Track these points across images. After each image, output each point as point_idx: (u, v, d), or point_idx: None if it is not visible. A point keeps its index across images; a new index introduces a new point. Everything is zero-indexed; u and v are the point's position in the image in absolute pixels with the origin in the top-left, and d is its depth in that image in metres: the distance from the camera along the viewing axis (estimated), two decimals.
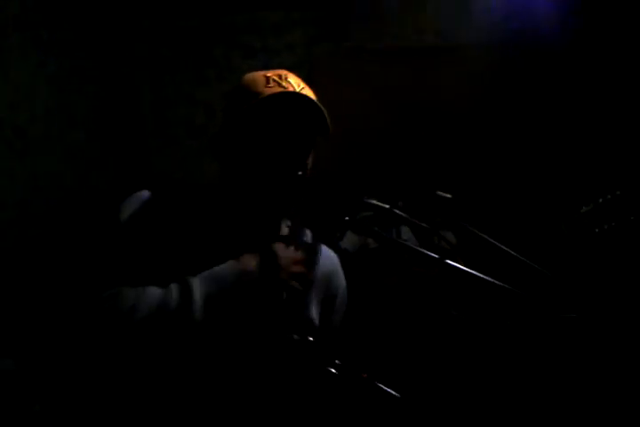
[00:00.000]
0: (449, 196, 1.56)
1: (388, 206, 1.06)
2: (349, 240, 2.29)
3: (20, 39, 2.76)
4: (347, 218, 1.08)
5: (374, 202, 1.09)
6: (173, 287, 1.04)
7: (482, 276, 0.97)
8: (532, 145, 3.00)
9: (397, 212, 1.06)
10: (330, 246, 2.27)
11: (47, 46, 2.92)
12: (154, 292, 1.03)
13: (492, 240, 1.26)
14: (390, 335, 2.13)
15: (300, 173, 1.14)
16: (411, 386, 1.08)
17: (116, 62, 3.44)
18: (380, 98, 3.14)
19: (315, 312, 1.32)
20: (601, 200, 1.40)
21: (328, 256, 1.39)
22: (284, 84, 1.20)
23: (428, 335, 2.14)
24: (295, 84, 1.22)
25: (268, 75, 1.22)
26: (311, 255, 1.31)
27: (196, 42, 3.56)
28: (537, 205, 2.78)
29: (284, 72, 1.25)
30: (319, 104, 1.16)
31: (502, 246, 1.24)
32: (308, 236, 1.35)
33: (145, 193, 1.22)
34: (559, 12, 2.90)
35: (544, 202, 2.73)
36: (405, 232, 2.31)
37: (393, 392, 0.99)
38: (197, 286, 1.02)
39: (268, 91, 1.17)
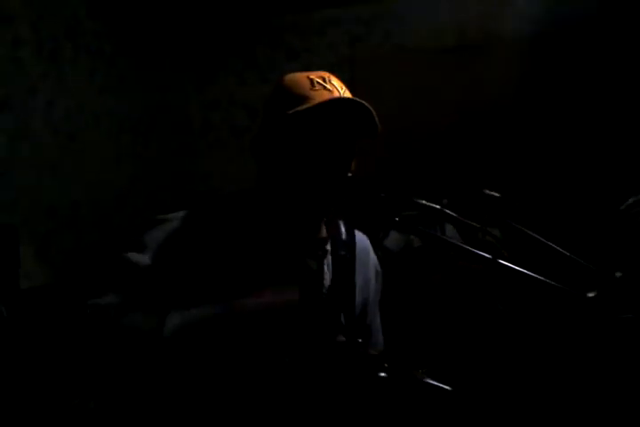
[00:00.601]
0: (496, 194, 1.56)
1: (438, 207, 1.06)
2: (393, 239, 2.29)
3: (73, 48, 2.85)
4: (396, 218, 1.08)
5: (424, 202, 1.09)
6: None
7: (535, 275, 0.97)
8: (576, 139, 2.95)
9: (448, 212, 1.06)
10: (374, 246, 2.28)
11: (96, 55, 3.01)
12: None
13: (539, 237, 1.25)
14: (437, 333, 2.12)
15: (349, 175, 1.15)
16: (461, 382, 1.07)
17: (161, 67, 3.52)
18: (422, 96, 3.13)
19: (358, 309, 1.33)
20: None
21: (362, 244, 1.38)
22: (328, 86, 1.19)
23: (475, 331, 2.12)
24: (338, 86, 1.21)
25: (311, 77, 1.20)
26: (350, 255, 1.32)
27: (239, 44, 3.61)
28: (583, 200, 2.73)
29: (326, 74, 1.23)
30: (371, 108, 1.16)
31: (550, 244, 1.23)
32: (343, 230, 1.34)
33: (173, 217, 1.20)
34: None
35: (590, 197, 2.68)
36: (449, 230, 2.31)
37: (446, 387, 0.99)
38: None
39: (315, 94, 1.17)
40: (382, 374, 1.01)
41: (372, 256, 1.39)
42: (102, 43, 3.05)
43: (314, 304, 1.20)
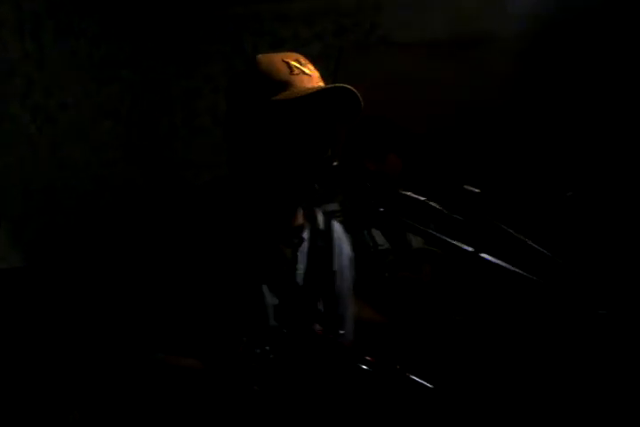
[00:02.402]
0: (477, 190, 1.57)
1: (423, 199, 1.06)
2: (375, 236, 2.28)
3: (54, 27, 2.79)
4: (381, 209, 1.08)
5: (409, 194, 1.09)
6: None
7: (516, 269, 0.98)
8: (561, 139, 2.97)
9: (432, 204, 1.07)
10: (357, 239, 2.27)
11: (78, 34, 2.96)
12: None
13: (517, 234, 1.26)
14: (399, 332, 2.13)
15: (335, 163, 1.15)
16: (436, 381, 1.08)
17: (145, 52, 3.47)
18: (408, 90, 3.13)
19: (336, 297, 1.34)
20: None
21: (338, 234, 1.39)
22: (306, 70, 1.19)
23: (432, 341, 2.14)
24: (313, 69, 1.21)
25: (287, 60, 1.18)
26: (327, 244, 1.33)
27: (224, 31, 3.57)
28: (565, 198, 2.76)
29: (298, 56, 1.21)
30: (358, 94, 1.16)
31: (526, 240, 1.24)
32: (320, 219, 1.34)
33: (163, 219, 1.20)
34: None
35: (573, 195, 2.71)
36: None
37: (426, 383, 1.00)
38: None
39: (296, 79, 1.16)
40: (364, 367, 1.02)
41: (347, 246, 1.40)
42: (86, 23, 2.99)
43: (286, 293, 1.20)
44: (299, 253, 1.26)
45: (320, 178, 1.14)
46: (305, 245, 1.27)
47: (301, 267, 1.25)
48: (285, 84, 1.15)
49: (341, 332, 1.08)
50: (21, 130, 2.62)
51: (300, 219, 1.27)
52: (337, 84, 1.15)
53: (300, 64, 1.19)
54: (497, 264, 0.99)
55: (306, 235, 1.28)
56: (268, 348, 1.05)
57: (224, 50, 3.56)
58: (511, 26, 3.01)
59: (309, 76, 1.18)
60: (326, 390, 1.03)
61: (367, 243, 2.12)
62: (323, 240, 1.31)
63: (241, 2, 3.45)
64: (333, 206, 1.11)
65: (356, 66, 3.26)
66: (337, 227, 1.38)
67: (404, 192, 1.07)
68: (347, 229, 1.38)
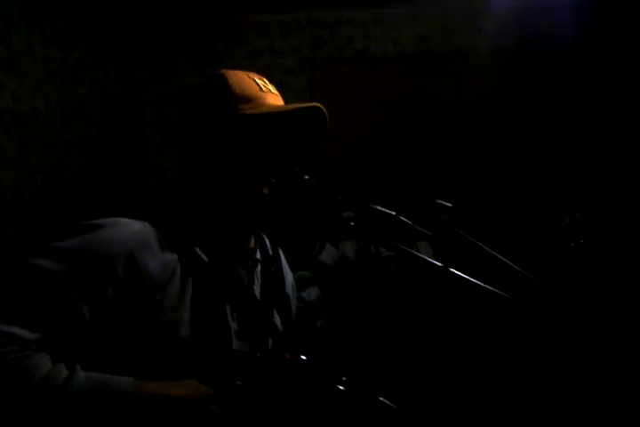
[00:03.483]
0: (449, 205, 1.59)
1: (394, 213, 1.07)
2: (327, 254, 2.28)
3: (26, 31, 2.75)
4: (352, 223, 1.08)
5: (379, 208, 1.09)
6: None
7: (484, 285, 0.98)
8: (536, 153, 3.02)
9: (403, 218, 1.07)
10: (308, 261, 2.28)
11: (51, 38, 2.92)
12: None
13: (488, 249, 1.27)
14: (371, 347, 2.13)
15: (306, 177, 1.15)
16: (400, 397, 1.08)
17: (118, 57, 3.44)
18: (381, 103, 3.16)
19: (293, 321, 1.33)
20: (580, 213, 1.42)
21: (284, 260, 1.37)
22: (272, 90, 1.19)
23: (407, 348, 2.14)
24: (275, 90, 1.21)
25: (253, 77, 1.18)
26: (277, 268, 1.30)
27: (200, 39, 3.57)
28: (531, 214, 2.80)
29: (261, 76, 1.21)
30: (327, 116, 1.17)
31: (499, 256, 1.25)
32: (268, 244, 1.32)
33: (102, 224, 1.04)
34: (568, 18, 2.91)
35: (538, 211, 2.75)
36: (423, 247, 2.32)
37: (392, 405, 1.00)
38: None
39: (266, 96, 1.16)
40: (341, 388, 1.00)
41: (290, 274, 1.39)
42: (58, 26, 2.96)
43: (246, 314, 1.15)
44: (254, 275, 1.23)
45: (289, 192, 1.13)
46: (258, 268, 1.24)
47: (257, 289, 1.22)
48: (255, 100, 1.14)
49: (303, 357, 1.05)
50: None
51: (252, 241, 1.23)
52: (312, 104, 1.15)
53: (265, 83, 1.19)
54: (466, 279, 0.99)
55: (258, 257, 1.25)
56: (234, 374, 1.03)
57: (198, 57, 3.55)
58: (483, 42, 3.06)
59: (276, 95, 1.19)
60: (304, 412, 1.01)
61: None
62: (273, 265, 1.29)
63: (218, 10, 3.45)
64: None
65: (332, 78, 3.28)
66: (282, 253, 1.36)
67: (374, 206, 1.07)
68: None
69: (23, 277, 0.96)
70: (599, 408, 1.56)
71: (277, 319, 1.25)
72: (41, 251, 0.99)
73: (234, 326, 1.12)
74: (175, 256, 1.07)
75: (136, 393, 0.94)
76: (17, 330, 0.91)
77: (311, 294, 2.17)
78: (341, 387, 1.01)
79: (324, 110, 1.17)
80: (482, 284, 1.00)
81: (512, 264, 1.21)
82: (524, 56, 3.04)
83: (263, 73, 1.24)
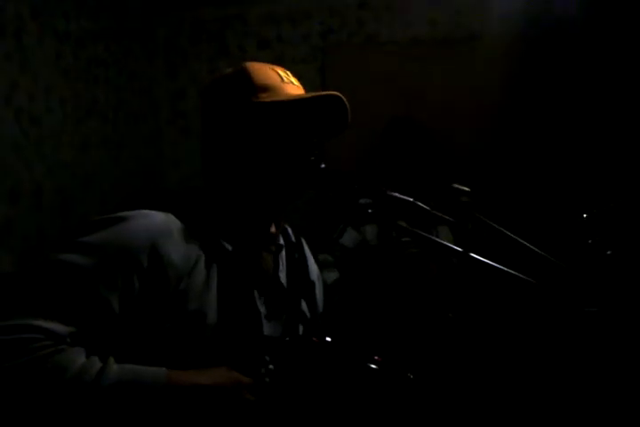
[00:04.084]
0: (466, 189, 1.57)
1: (411, 200, 1.07)
2: (348, 237, 2.29)
3: (38, 29, 2.77)
4: (370, 210, 1.08)
5: (397, 195, 1.09)
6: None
7: (505, 269, 0.98)
8: (549, 139, 2.99)
9: (420, 204, 1.07)
10: (330, 244, 2.29)
11: (63, 36, 2.94)
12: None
13: (508, 232, 1.27)
14: (386, 331, 2.14)
15: (322, 166, 1.15)
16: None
17: (131, 51, 3.45)
18: (393, 89, 3.14)
19: (319, 308, 1.33)
20: (591, 212, 1.40)
21: (307, 249, 1.38)
22: (294, 82, 1.21)
23: (424, 335, 2.14)
24: (298, 82, 1.23)
25: (275, 69, 1.20)
26: (301, 255, 1.31)
27: (210, 32, 3.56)
28: (550, 202, 2.77)
29: (284, 69, 1.23)
30: (348, 106, 1.17)
31: (518, 238, 1.25)
32: (290, 232, 1.33)
33: (127, 216, 1.05)
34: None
35: (557, 199, 2.72)
36: (445, 232, 2.31)
37: (420, 383, 1.01)
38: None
39: (287, 87, 1.17)
40: (373, 366, 1.01)
41: (314, 264, 1.39)
42: (70, 24, 2.97)
43: (274, 299, 1.17)
44: (279, 260, 1.24)
45: (308, 180, 1.14)
46: (283, 254, 1.26)
47: (282, 275, 1.23)
48: (277, 90, 1.16)
49: (328, 339, 1.05)
50: (5, 133, 2.59)
51: (273, 228, 1.24)
52: (331, 93, 1.16)
53: (288, 75, 1.21)
54: (486, 263, 0.99)
55: (282, 242, 1.27)
56: (267, 358, 1.04)
57: (208, 51, 3.55)
58: (495, 26, 3.02)
59: (297, 86, 1.20)
60: (339, 393, 1.02)
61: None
62: (296, 251, 1.30)
63: (225, 2, 3.44)
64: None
65: (342, 66, 3.26)
66: (304, 243, 1.37)
67: (391, 193, 1.07)
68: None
69: (52, 272, 0.97)
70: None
71: (304, 305, 1.26)
72: (67, 246, 1.00)
73: (262, 310, 1.14)
74: (198, 244, 1.08)
75: (169, 383, 0.95)
76: (50, 324, 0.92)
77: (330, 276, 2.20)
78: (374, 366, 1.01)
79: (344, 100, 1.17)
80: (503, 267, 1.00)
81: (532, 247, 1.21)
82: (535, 38, 3.00)
83: (274, 63, 1.25)
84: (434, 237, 1.04)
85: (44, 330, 0.92)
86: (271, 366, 1.04)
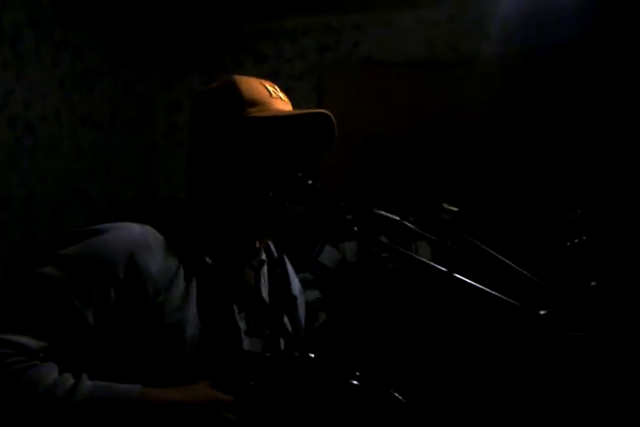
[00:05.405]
0: (455, 209, 1.58)
1: (397, 218, 1.06)
2: (327, 255, 2.29)
3: (35, 38, 2.78)
4: (355, 228, 1.08)
5: (383, 213, 1.09)
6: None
7: (489, 291, 0.97)
8: (541, 157, 3.00)
9: (406, 223, 1.07)
10: (309, 262, 2.29)
11: (60, 45, 2.95)
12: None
13: (494, 253, 1.27)
14: (368, 347, 2.13)
15: (310, 182, 1.15)
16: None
17: (128, 64, 3.46)
18: (388, 109, 3.15)
19: (302, 323, 1.32)
20: (575, 212, 1.41)
21: (289, 266, 1.36)
22: (282, 97, 1.21)
23: (405, 348, 2.14)
24: (285, 97, 1.22)
25: (263, 84, 1.20)
26: (283, 271, 1.30)
27: (208, 45, 3.59)
28: (532, 216, 2.78)
29: (271, 83, 1.22)
30: (335, 124, 1.17)
31: (504, 259, 1.24)
32: (272, 248, 1.32)
33: (106, 228, 1.03)
34: (573, 20, 2.90)
35: (538, 212, 2.73)
36: (423, 247, 2.30)
37: (402, 399, 1.00)
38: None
39: (275, 102, 1.17)
40: (354, 382, 1.00)
41: (296, 280, 1.37)
42: (67, 33, 2.98)
43: (255, 314, 1.15)
44: (261, 275, 1.23)
45: (293, 196, 1.13)
46: (265, 269, 1.25)
47: (264, 290, 1.22)
48: (265, 104, 1.15)
49: (311, 355, 1.04)
50: None
51: (257, 243, 1.23)
52: (319, 110, 1.16)
53: (276, 90, 1.20)
54: (470, 284, 0.98)
55: (264, 256, 1.26)
56: (247, 374, 1.02)
57: (206, 64, 3.57)
58: (490, 48, 3.05)
59: (285, 102, 1.20)
60: (320, 409, 1.00)
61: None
62: (278, 266, 1.29)
63: (225, 18, 3.47)
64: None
65: (338, 84, 3.28)
66: (287, 259, 1.36)
67: (377, 211, 1.07)
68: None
69: (26, 285, 0.96)
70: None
71: (286, 320, 1.25)
72: (43, 259, 0.99)
73: (243, 326, 1.12)
74: (177, 257, 1.07)
75: (142, 400, 0.93)
76: (23, 339, 0.90)
77: (311, 295, 2.19)
78: (355, 382, 1.00)
79: (332, 118, 1.17)
80: (486, 289, 0.99)
81: (517, 267, 1.20)
82: (530, 61, 3.03)
83: (270, 79, 1.25)
84: (414, 255, 1.04)
85: (16, 345, 0.90)
86: (252, 383, 1.02)
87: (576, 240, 1.36)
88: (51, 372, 0.91)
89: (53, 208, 2.91)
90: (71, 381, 0.91)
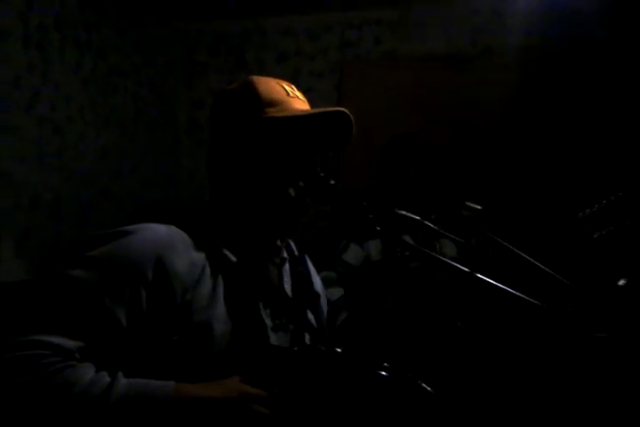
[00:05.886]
0: (478, 207, 1.57)
1: (418, 218, 1.06)
2: (352, 253, 2.28)
3: (60, 39, 2.81)
4: (378, 228, 1.08)
5: (404, 213, 1.09)
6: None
7: (511, 290, 0.97)
8: (562, 151, 2.97)
9: (427, 223, 1.07)
10: (333, 260, 2.29)
11: (84, 46, 2.98)
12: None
13: (518, 251, 1.26)
14: (393, 348, 2.12)
15: (332, 182, 1.15)
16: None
17: (150, 64, 3.50)
18: (409, 104, 3.14)
19: (325, 318, 1.33)
20: (599, 205, 1.39)
21: (311, 265, 1.39)
22: (299, 96, 1.22)
23: (432, 348, 2.13)
24: (302, 96, 1.24)
25: (281, 84, 1.21)
26: (305, 270, 1.32)
27: (230, 44, 3.60)
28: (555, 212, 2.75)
29: (289, 83, 1.24)
30: (353, 121, 1.19)
31: (527, 257, 1.23)
32: (294, 247, 1.34)
33: (134, 230, 1.05)
34: (593, 15, 2.86)
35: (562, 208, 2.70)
36: (448, 246, 2.29)
37: (430, 390, 1.00)
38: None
39: (293, 102, 1.19)
40: (383, 373, 1.00)
41: (318, 279, 1.39)
42: (91, 35, 3.02)
43: (280, 310, 1.17)
44: (283, 273, 1.25)
45: (315, 196, 1.14)
46: (287, 266, 1.26)
47: (287, 287, 1.24)
48: (283, 104, 1.17)
49: (338, 350, 1.05)
50: (26, 140, 2.63)
51: (278, 241, 1.25)
52: (337, 109, 1.17)
53: (293, 89, 1.22)
54: (492, 284, 0.98)
55: (285, 254, 1.28)
56: (276, 368, 1.03)
57: (227, 63, 3.59)
58: (512, 42, 3.02)
59: (303, 101, 1.21)
60: (349, 402, 1.01)
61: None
62: (300, 264, 1.31)
63: (245, 14, 3.47)
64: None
65: (360, 80, 3.27)
66: (308, 258, 1.38)
67: (399, 211, 1.07)
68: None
69: (58, 288, 0.98)
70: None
71: (311, 316, 1.26)
72: (73, 261, 1.01)
73: (268, 322, 1.14)
74: (203, 256, 1.09)
75: (177, 396, 0.95)
76: (58, 340, 0.93)
77: (334, 293, 2.19)
78: (384, 373, 1.00)
79: (350, 115, 1.18)
80: (509, 289, 0.99)
81: (541, 265, 1.19)
82: (551, 55, 2.99)
83: (291, 76, 1.26)
84: (438, 255, 1.04)
85: (53, 346, 0.92)
86: (281, 377, 1.03)
87: (603, 231, 1.35)
88: (87, 371, 0.93)
89: (80, 208, 2.95)
90: (107, 379, 0.93)
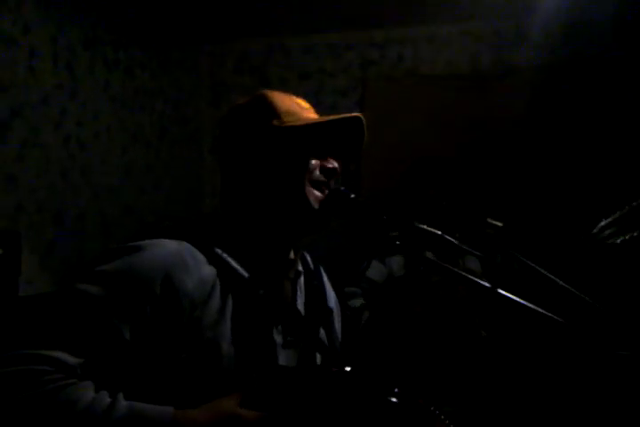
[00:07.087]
0: (499, 224, 1.55)
1: (439, 233, 1.05)
2: (375, 270, 2.28)
3: (89, 59, 2.88)
4: (397, 242, 1.08)
5: (425, 227, 1.08)
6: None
7: (533, 306, 0.96)
8: (581, 169, 2.94)
9: (448, 238, 1.06)
10: (356, 277, 2.29)
11: (112, 65, 3.05)
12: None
13: (539, 269, 1.24)
14: (419, 363, 2.10)
15: (352, 196, 1.15)
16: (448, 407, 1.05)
17: (177, 80, 3.56)
18: (432, 122, 3.14)
19: (338, 335, 1.30)
20: (620, 212, 1.37)
21: (326, 277, 1.36)
22: (311, 109, 1.22)
23: (457, 359, 2.10)
24: (313, 109, 1.23)
25: (294, 98, 1.22)
26: (320, 284, 1.30)
27: (253, 63, 3.65)
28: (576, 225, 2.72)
29: (298, 97, 1.24)
30: (365, 126, 1.19)
31: (549, 275, 1.22)
32: (309, 260, 1.32)
33: (145, 246, 1.05)
34: (611, 33, 2.85)
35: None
36: (472, 262, 2.28)
37: (442, 416, 0.98)
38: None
39: (307, 113, 1.19)
40: (394, 400, 0.97)
41: (333, 293, 1.37)
42: (119, 54, 3.09)
43: (291, 327, 1.14)
44: (297, 287, 1.23)
45: (334, 209, 1.14)
46: (301, 280, 1.24)
47: (300, 302, 1.22)
48: (297, 114, 1.17)
49: (347, 369, 1.03)
50: (52, 156, 2.68)
51: (292, 254, 1.22)
52: (353, 114, 1.17)
53: (304, 103, 1.22)
54: (514, 300, 0.97)
55: (300, 268, 1.25)
56: (283, 389, 1.00)
57: (251, 81, 3.63)
58: (534, 59, 3.01)
59: (314, 112, 1.21)
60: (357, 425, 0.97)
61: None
62: (315, 278, 1.28)
63: (268, 33, 3.52)
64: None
65: (382, 98, 3.28)
66: (323, 271, 1.36)
67: (419, 225, 1.07)
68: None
69: (65, 301, 0.98)
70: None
71: (323, 334, 1.24)
72: (83, 275, 1.01)
73: (279, 339, 1.12)
74: (214, 272, 1.07)
75: (174, 422, 0.93)
76: (60, 355, 0.92)
77: (356, 302, 2.20)
78: (394, 399, 0.97)
79: (362, 118, 1.18)
80: (532, 305, 0.97)
81: (564, 284, 1.18)
82: (574, 71, 2.98)
83: (314, 94, 1.27)
84: (461, 271, 1.02)
85: (55, 361, 0.91)
86: (282, 399, 1.01)
87: (627, 237, 1.33)
88: (88, 390, 0.92)
89: (103, 224, 2.98)
90: (107, 400, 0.92)
